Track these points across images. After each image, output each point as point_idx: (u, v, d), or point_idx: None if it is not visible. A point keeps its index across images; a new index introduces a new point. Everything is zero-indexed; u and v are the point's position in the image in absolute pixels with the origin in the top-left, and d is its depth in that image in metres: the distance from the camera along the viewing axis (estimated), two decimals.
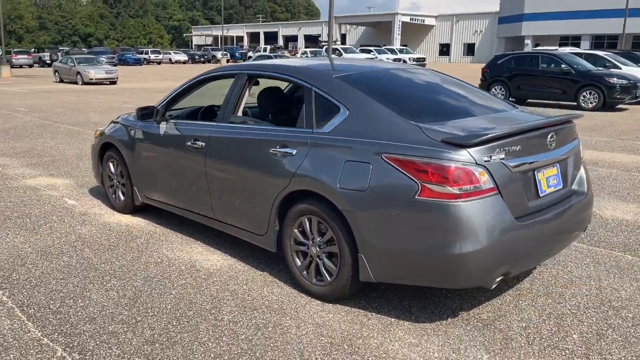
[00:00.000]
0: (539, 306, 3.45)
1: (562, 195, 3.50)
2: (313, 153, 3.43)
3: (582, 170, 3.78)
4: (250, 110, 4.73)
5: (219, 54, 54.69)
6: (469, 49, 63.27)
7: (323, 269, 3.47)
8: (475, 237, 2.90)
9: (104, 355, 2.88)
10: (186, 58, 57.94)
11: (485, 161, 2.95)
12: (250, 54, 47.57)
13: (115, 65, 41.16)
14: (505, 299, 3.56)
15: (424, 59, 42.27)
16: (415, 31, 65.75)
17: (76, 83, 26.39)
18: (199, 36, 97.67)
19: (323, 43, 57.44)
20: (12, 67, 43.63)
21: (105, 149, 5.47)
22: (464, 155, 2.93)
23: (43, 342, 3.02)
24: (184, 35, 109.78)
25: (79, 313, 3.34)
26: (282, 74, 4.00)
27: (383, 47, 42.90)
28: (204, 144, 4.17)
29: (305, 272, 3.60)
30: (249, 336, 3.08)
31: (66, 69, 27.38)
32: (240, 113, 4.23)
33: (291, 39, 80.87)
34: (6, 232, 4.83)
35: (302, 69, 3.93)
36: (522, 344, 3.01)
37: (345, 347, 2.97)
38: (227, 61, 50.72)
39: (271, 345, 2.98)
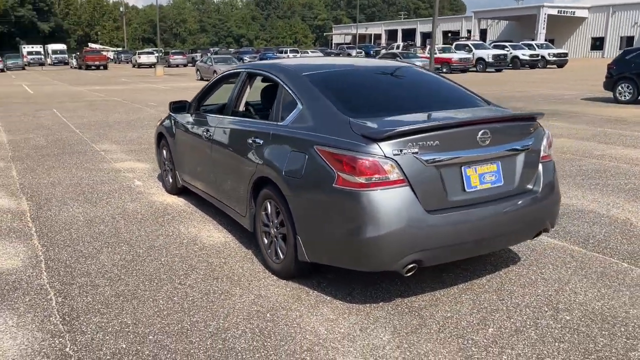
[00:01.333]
0: (478, 301, 3.50)
1: (503, 193, 3.51)
2: (272, 143, 3.84)
3: (539, 169, 3.72)
4: (255, 105, 5.21)
5: (353, 52, 55.86)
6: (628, 43, 57.33)
7: (278, 248, 3.86)
8: (380, 224, 3.11)
9: (79, 300, 3.57)
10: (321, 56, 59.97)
11: (395, 154, 3.13)
12: (383, 51, 47.91)
13: None
14: (451, 291, 3.65)
15: (565, 54, 39.39)
16: (563, 24, 61.15)
17: None
18: (339, 35, 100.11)
19: (462, 38, 55.85)
20: (169, 66, 48.81)
21: (160, 138, 6.32)
22: (374, 148, 3.14)
23: (44, 287, 3.79)
24: (324, 34, 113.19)
25: (82, 268, 4.10)
26: (266, 71, 4.44)
27: (520, 43, 40.66)
28: (211, 133, 4.75)
29: (269, 250, 4.01)
30: (195, 299, 3.58)
31: (205, 68, 30.11)
32: (242, 107, 4.74)
33: (429, 36, 79.64)
34: (74, 203, 5.86)
35: (279, 67, 4.35)
36: (432, 331, 3.14)
37: (268, 315, 3.35)
38: None
39: (207, 307, 3.45)
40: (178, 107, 5.50)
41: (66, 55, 64.43)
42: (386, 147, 3.14)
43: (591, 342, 2.99)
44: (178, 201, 5.93)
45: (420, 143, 3.18)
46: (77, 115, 14.16)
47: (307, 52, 52.50)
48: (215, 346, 2.99)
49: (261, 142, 3.95)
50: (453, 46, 36.68)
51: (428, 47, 52.94)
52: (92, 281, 3.86)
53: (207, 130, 4.84)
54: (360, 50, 56.10)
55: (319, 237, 3.42)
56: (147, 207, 5.72)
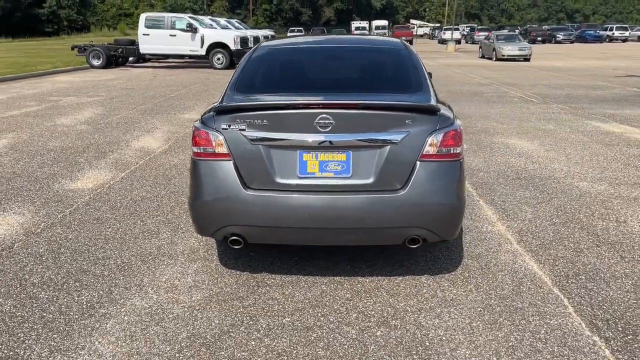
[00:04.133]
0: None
1: (351, 186, 3.08)
2: None
3: (416, 168, 3.07)
4: None
5: None
6: None
7: None
8: (200, 193, 3.21)
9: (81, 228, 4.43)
10: None
11: (223, 129, 3.13)
12: None
13: (572, 42, 39.86)
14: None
15: None
16: None
17: (491, 59, 27.67)
18: None
19: None
20: (473, 42, 48.35)
21: None
22: (210, 122, 3.18)
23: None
24: None
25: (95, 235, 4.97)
26: None
27: None
28: None
29: None
30: (134, 251, 4.05)
31: (486, 45, 28.95)
32: None
33: None
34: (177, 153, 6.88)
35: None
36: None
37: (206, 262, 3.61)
38: None
39: (136, 266, 3.89)
40: None
41: (365, 32, 69.30)
42: (218, 122, 3.16)
43: None
44: None
45: (248, 121, 3.10)
46: None
47: None
48: None
49: None
50: None
51: None
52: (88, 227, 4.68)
53: None
54: None
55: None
56: None
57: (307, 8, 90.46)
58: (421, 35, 76.82)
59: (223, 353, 2.67)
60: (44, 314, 3.00)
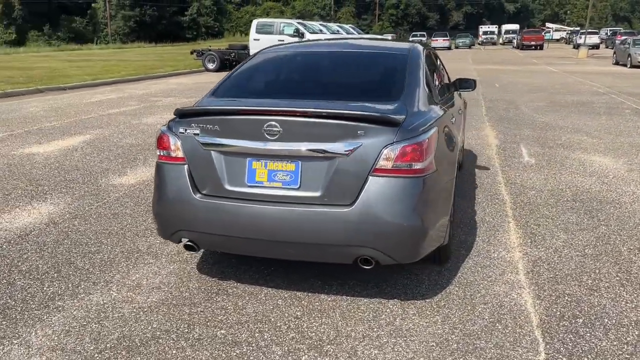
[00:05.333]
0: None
1: (298, 198, 2.93)
2: None
3: (367, 183, 2.84)
4: None
5: None
6: None
7: None
8: (158, 195, 3.26)
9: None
10: None
11: (180, 133, 3.13)
12: None
13: None
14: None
15: None
16: None
17: (625, 65, 25.06)
18: None
19: None
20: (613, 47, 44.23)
21: None
22: (171, 126, 3.19)
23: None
24: None
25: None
26: None
27: None
28: None
29: None
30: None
31: (621, 51, 26.28)
32: None
33: None
34: None
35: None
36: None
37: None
38: None
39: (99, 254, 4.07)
40: None
41: (494, 36, 65.75)
42: (177, 126, 3.17)
43: None
44: None
45: (202, 126, 3.07)
46: None
47: None
48: None
49: None
50: None
51: None
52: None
53: None
54: None
55: None
56: None
57: (435, 12, 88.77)
58: (557, 40, 71.82)
59: (139, 359, 2.65)
60: (9, 301, 3.20)
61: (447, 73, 5.31)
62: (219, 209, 3.02)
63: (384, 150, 2.82)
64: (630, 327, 2.94)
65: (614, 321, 3.01)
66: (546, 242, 4.12)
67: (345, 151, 2.84)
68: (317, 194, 2.90)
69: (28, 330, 2.89)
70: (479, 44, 64.32)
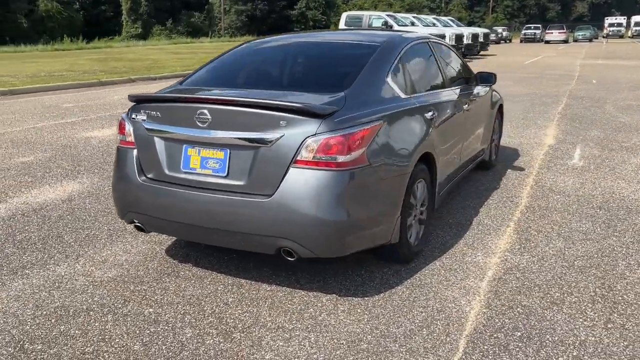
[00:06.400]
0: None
1: (224, 186, 3.00)
2: None
3: (288, 174, 2.84)
4: None
5: None
6: None
7: None
8: (114, 177, 3.47)
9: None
10: None
11: (132, 119, 3.31)
12: None
13: None
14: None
15: None
16: None
17: None
18: None
19: None
20: None
21: None
22: (129, 111, 3.37)
23: None
24: None
25: None
26: None
27: None
28: None
29: None
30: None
31: None
32: None
33: None
34: None
35: None
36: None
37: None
38: None
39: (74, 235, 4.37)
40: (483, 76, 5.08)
41: (621, 28, 60.25)
42: (131, 112, 3.34)
43: None
44: None
45: (148, 112, 3.22)
46: None
47: None
48: None
49: None
50: None
51: None
52: None
53: None
54: None
55: None
56: None
57: (556, 3, 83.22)
58: None
59: (62, 328, 2.85)
60: None
61: (463, 68, 5.04)
62: (159, 192, 3.15)
63: (306, 141, 2.78)
64: (570, 348, 2.66)
65: (555, 339, 2.74)
66: (535, 250, 3.81)
67: (268, 141, 2.84)
68: (242, 182, 2.93)
69: None
70: (602, 36, 59.47)
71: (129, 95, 3.38)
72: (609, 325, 2.86)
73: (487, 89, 5.36)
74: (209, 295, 3.18)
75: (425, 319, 2.93)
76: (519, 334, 2.78)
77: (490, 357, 2.60)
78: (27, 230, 4.17)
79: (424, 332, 2.80)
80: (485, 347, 2.68)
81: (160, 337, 2.77)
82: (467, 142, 4.64)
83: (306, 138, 2.78)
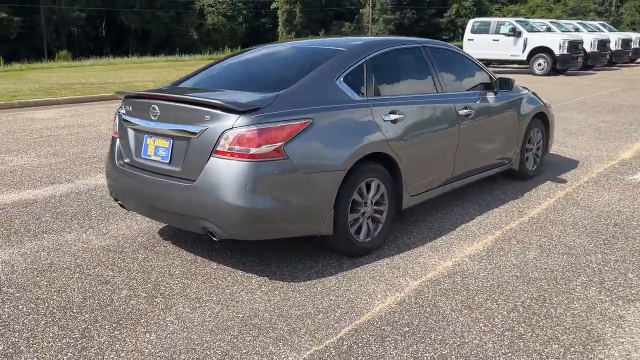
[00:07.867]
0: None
1: (167, 171, 3.46)
2: None
3: (209, 162, 3.21)
4: None
5: None
6: None
7: None
8: (105, 162, 4.08)
9: None
10: None
11: (119, 112, 3.89)
12: None
13: None
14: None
15: None
16: None
17: None
18: None
19: None
20: None
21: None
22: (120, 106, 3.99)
23: None
24: None
25: None
26: None
27: None
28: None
29: None
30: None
31: None
32: None
33: None
34: None
35: None
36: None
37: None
38: None
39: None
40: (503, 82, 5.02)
41: None
42: (120, 106, 3.91)
43: None
44: None
45: (126, 107, 3.79)
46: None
47: None
48: None
49: None
50: None
51: None
52: None
53: None
54: None
55: None
56: None
57: None
58: None
59: (38, 279, 3.50)
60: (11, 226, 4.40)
61: (479, 75, 4.92)
62: (128, 175, 3.70)
63: (225, 134, 3.13)
64: (443, 347, 2.66)
65: (438, 337, 2.75)
66: (497, 259, 3.70)
67: (196, 132, 3.24)
68: (179, 169, 3.37)
69: None
70: None
71: (115, 92, 4.00)
72: (506, 334, 2.79)
73: (516, 95, 5.18)
74: (163, 267, 3.64)
75: (329, 305, 3.09)
76: (407, 329, 2.84)
77: (360, 345, 2.70)
78: (69, 205, 5.00)
79: (319, 317, 2.98)
80: (364, 336, 2.78)
81: (100, 294, 3.29)
82: (471, 148, 4.55)
83: (225, 131, 3.13)
